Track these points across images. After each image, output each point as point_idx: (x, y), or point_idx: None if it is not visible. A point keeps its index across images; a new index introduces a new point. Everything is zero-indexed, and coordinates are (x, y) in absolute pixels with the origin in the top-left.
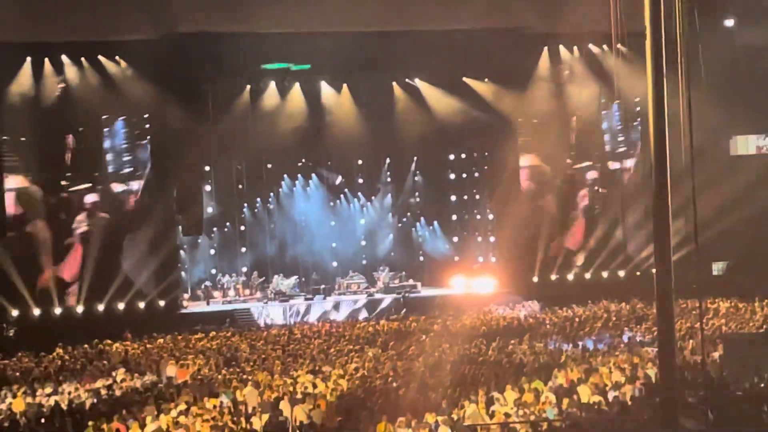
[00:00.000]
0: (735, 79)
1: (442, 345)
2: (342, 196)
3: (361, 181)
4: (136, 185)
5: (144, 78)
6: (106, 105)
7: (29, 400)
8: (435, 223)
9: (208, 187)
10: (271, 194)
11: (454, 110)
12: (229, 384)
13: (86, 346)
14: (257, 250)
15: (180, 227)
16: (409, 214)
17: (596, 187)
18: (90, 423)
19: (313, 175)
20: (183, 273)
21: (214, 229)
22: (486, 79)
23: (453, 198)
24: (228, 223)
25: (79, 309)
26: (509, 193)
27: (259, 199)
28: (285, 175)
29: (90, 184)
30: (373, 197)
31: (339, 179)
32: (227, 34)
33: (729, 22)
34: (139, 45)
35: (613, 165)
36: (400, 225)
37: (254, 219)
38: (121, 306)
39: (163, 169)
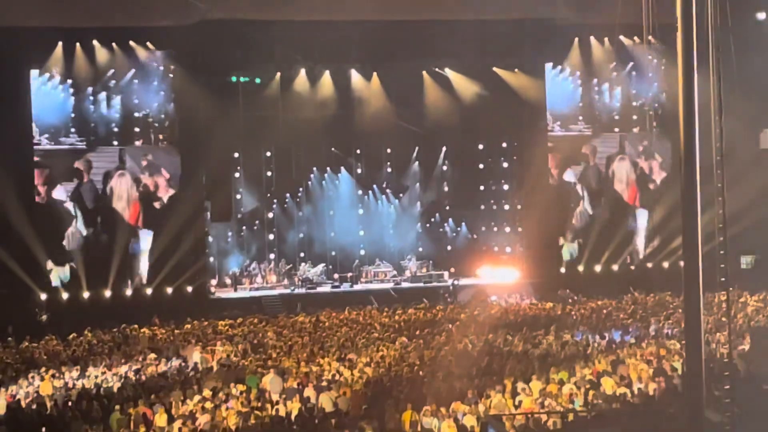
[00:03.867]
0: (766, 71)
1: (469, 334)
2: (370, 185)
3: (389, 170)
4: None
5: (175, 64)
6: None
7: (57, 383)
8: (463, 212)
9: (237, 174)
10: (300, 182)
11: (484, 100)
12: (255, 370)
13: (114, 330)
14: (285, 237)
15: (208, 214)
16: (437, 214)
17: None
18: (116, 407)
19: (342, 163)
20: (211, 259)
21: (242, 215)
22: (516, 70)
23: (481, 188)
24: (256, 210)
25: (107, 293)
26: (537, 184)
27: (287, 187)
28: (314, 163)
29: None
30: (401, 194)
31: (359, 167)
32: (258, 21)
33: (761, 16)
34: (171, 31)
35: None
36: (428, 224)
37: (282, 206)
38: (149, 291)
39: (193, 156)
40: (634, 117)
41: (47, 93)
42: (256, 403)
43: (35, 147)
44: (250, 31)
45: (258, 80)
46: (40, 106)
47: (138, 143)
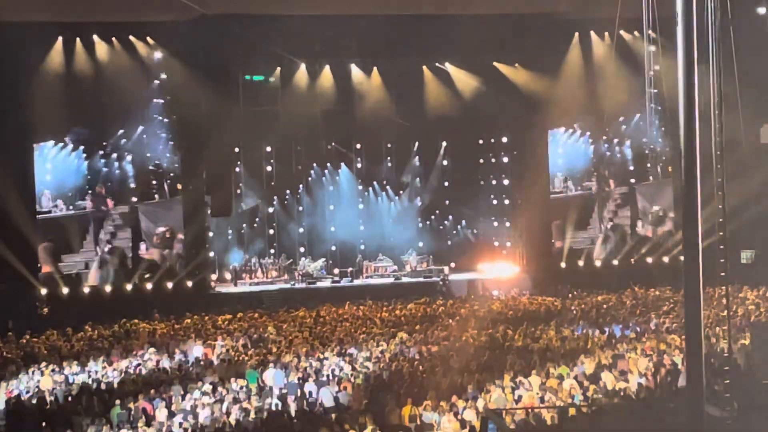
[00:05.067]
0: (766, 66)
1: (469, 329)
2: (370, 180)
3: (389, 165)
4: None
5: (175, 59)
6: (137, 86)
7: (57, 378)
8: (463, 207)
9: (237, 169)
10: (300, 177)
11: (484, 95)
12: (256, 365)
13: (115, 325)
14: (285, 232)
15: (209, 209)
16: (437, 208)
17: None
18: (117, 402)
19: (342, 158)
20: (211, 254)
21: (242, 210)
22: (516, 64)
23: (482, 183)
24: (256, 205)
25: (108, 288)
26: (537, 179)
27: (287, 182)
28: (314, 158)
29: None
30: (401, 189)
31: (359, 162)
32: (258, 16)
33: (761, 10)
34: (171, 26)
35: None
36: (428, 219)
37: (282, 201)
38: (149, 286)
39: (193, 151)
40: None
41: (61, 159)
42: (256, 398)
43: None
44: (250, 26)
45: (271, 79)
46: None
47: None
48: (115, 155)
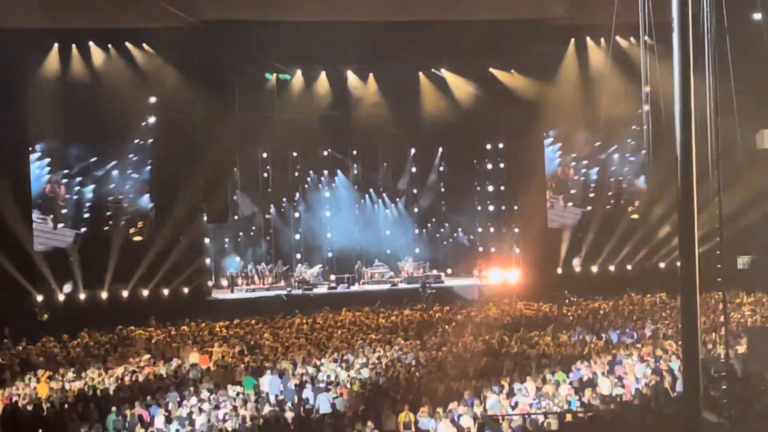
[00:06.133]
0: (763, 72)
1: (465, 335)
2: (366, 187)
3: (386, 171)
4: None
5: (170, 65)
6: (133, 92)
7: (53, 384)
8: (460, 213)
9: (233, 176)
10: (296, 183)
11: (480, 101)
12: (252, 372)
13: (111, 332)
14: (281, 238)
15: (205, 215)
16: (434, 215)
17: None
18: (113, 408)
19: (338, 165)
20: (207, 261)
21: (239, 217)
22: (512, 70)
23: (478, 188)
24: (253, 212)
25: (104, 295)
26: (534, 185)
27: (284, 188)
28: (310, 165)
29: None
30: (397, 195)
31: (356, 169)
32: (254, 22)
33: (757, 16)
34: (167, 32)
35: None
36: (424, 225)
37: (279, 208)
38: (145, 292)
39: (189, 157)
40: None
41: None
42: (252, 405)
43: None
44: (246, 32)
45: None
46: None
47: None
48: (79, 178)
